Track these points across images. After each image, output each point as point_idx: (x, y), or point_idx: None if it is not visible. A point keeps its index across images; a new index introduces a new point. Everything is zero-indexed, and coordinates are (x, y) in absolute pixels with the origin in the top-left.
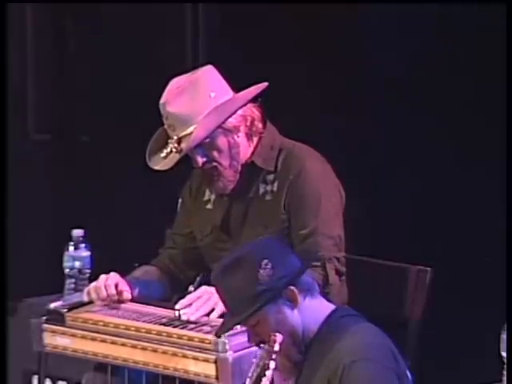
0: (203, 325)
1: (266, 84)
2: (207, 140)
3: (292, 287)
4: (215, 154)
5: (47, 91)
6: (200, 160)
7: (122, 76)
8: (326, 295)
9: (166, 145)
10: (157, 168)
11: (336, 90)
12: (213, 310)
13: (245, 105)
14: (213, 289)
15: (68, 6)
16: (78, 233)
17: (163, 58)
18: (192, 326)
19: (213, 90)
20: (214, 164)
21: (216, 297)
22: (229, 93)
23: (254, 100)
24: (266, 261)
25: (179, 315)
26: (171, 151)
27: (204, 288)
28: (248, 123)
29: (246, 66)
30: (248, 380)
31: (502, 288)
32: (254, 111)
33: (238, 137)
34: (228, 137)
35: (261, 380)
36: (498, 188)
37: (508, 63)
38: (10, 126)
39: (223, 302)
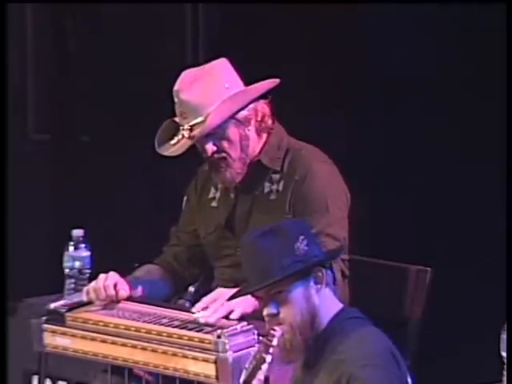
0: (204, 325)
1: (277, 80)
2: (219, 130)
3: (323, 269)
4: (226, 144)
5: (47, 91)
6: (210, 149)
7: (122, 76)
8: None
9: (174, 135)
10: (166, 154)
11: (336, 90)
12: (231, 311)
13: (258, 97)
14: (228, 291)
15: (68, 5)
16: (77, 233)
17: (163, 58)
18: (192, 326)
19: (227, 81)
20: (224, 155)
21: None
22: (241, 85)
23: (264, 96)
24: (302, 237)
25: (197, 319)
26: (182, 137)
27: (220, 290)
28: (259, 118)
29: (246, 66)
30: (244, 371)
31: (502, 288)
32: (264, 107)
33: (248, 130)
34: (239, 128)
35: (256, 373)
36: (498, 188)
37: (508, 63)
38: (10, 126)
39: (249, 264)
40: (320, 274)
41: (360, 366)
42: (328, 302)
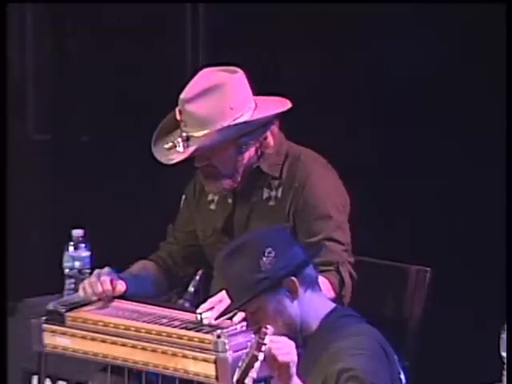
0: (204, 325)
1: (288, 104)
2: (214, 150)
3: (293, 278)
4: (218, 162)
5: (47, 91)
6: (200, 161)
7: (122, 76)
8: (341, 299)
9: (174, 130)
10: (158, 158)
11: (336, 89)
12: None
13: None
14: None
15: (68, 5)
16: (77, 233)
17: (163, 58)
18: (192, 326)
19: (233, 102)
20: (214, 170)
21: None
22: (249, 104)
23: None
24: (269, 249)
25: (201, 319)
26: (175, 146)
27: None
28: (261, 139)
29: (246, 66)
30: (237, 370)
31: (502, 288)
32: (273, 129)
33: (246, 151)
34: (236, 151)
35: (249, 371)
36: (498, 187)
37: (508, 63)
38: (10, 126)
39: (225, 287)
40: (292, 283)
41: (351, 355)
42: (314, 305)
